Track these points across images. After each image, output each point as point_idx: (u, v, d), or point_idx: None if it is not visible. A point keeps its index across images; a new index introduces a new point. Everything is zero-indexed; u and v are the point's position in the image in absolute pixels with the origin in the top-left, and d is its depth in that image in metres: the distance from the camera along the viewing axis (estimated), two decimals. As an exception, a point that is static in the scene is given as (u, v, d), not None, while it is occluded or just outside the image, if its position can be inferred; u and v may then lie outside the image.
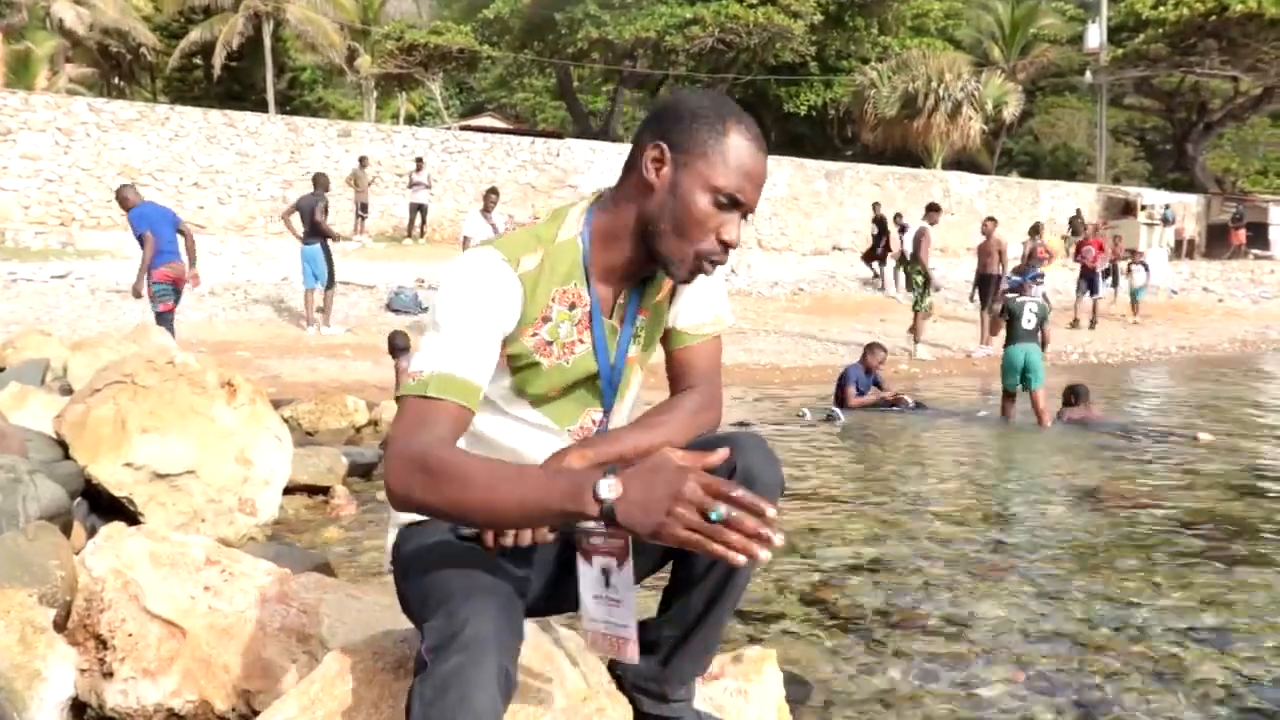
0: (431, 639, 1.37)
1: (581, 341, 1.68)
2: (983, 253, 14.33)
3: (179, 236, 8.86)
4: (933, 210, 14.08)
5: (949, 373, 12.84)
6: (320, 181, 12.24)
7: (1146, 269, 18.17)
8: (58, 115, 17.20)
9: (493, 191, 12.90)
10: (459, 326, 1.54)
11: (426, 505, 1.44)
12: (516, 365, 1.65)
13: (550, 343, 1.66)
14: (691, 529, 1.26)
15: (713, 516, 1.25)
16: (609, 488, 1.31)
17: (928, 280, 13.36)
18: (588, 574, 1.56)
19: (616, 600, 1.56)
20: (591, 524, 1.42)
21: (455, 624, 1.35)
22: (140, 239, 8.68)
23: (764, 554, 1.25)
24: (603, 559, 1.55)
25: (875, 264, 19.66)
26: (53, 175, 17.02)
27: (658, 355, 1.85)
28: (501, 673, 1.35)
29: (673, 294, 1.79)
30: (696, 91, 1.75)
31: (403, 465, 1.44)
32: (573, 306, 1.66)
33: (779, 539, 1.25)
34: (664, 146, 1.60)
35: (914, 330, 13.77)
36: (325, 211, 11.99)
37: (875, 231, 19.64)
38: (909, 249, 14.04)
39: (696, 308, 1.81)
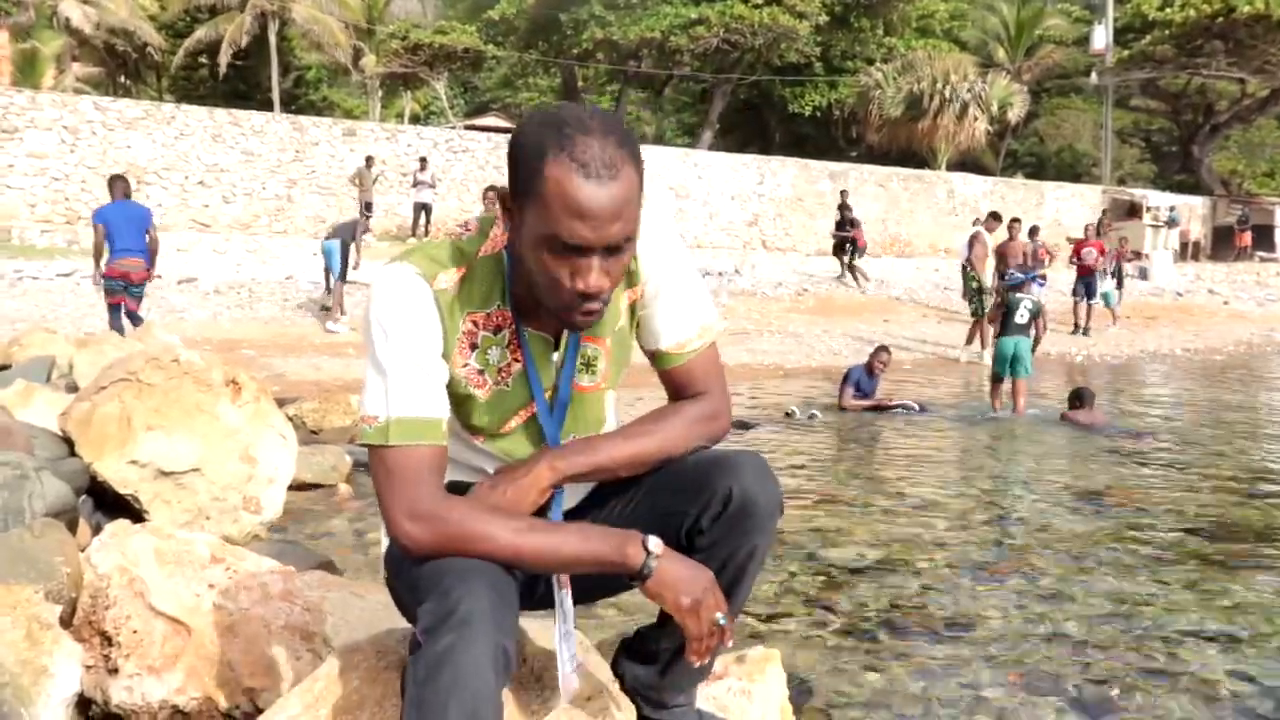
0: (425, 621, 1.35)
1: (517, 361, 1.59)
2: (1008, 254, 13.77)
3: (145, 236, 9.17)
4: (993, 218, 13.86)
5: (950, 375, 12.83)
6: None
7: (1106, 270, 17.74)
8: (64, 114, 17.26)
9: (491, 188, 12.86)
10: (399, 361, 1.47)
11: (448, 556, 1.45)
12: (454, 396, 1.56)
13: (481, 371, 1.57)
14: (699, 618, 1.50)
15: (720, 620, 1.50)
16: (657, 545, 1.48)
17: (981, 285, 13.27)
18: (566, 609, 1.58)
19: (570, 631, 1.58)
20: None
21: (448, 604, 1.34)
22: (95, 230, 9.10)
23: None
24: (565, 591, 1.60)
25: (845, 259, 19.48)
26: (59, 173, 17.07)
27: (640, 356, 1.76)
28: (497, 650, 1.32)
29: (633, 314, 1.67)
30: (539, 110, 1.52)
31: (412, 523, 1.46)
32: (499, 329, 1.57)
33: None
34: (503, 193, 1.49)
35: (979, 337, 13.52)
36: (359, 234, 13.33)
37: (839, 219, 19.30)
38: (964, 254, 13.86)
39: (679, 324, 1.67)
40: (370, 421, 1.49)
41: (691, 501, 1.58)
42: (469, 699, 1.29)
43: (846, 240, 19.11)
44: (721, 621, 1.49)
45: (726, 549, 1.59)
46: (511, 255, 1.55)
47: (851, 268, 19.27)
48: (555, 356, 1.62)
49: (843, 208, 19.27)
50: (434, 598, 1.37)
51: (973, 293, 13.51)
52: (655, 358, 1.70)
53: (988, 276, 13.60)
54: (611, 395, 1.72)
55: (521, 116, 37.15)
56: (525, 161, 1.43)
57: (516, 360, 1.59)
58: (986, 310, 13.29)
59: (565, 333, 1.60)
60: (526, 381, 1.60)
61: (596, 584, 1.65)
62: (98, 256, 9.18)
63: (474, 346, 1.56)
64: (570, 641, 1.58)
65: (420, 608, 1.38)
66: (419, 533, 1.45)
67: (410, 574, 1.50)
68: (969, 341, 13.76)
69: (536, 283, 1.48)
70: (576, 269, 1.43)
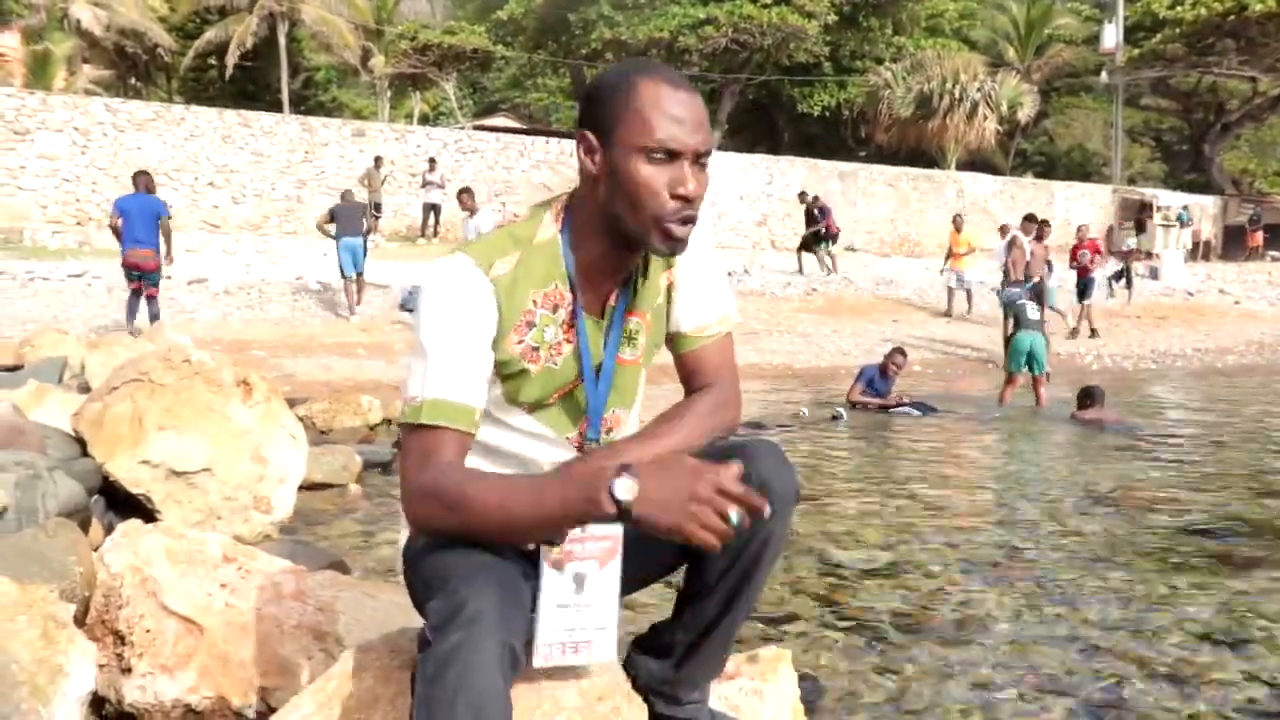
0: (433, 618, 1.36)
1: (568, 341, 1.65)
2: (1036, 258, 13.51)
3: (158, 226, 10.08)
4: (1029, 221, 13.75)
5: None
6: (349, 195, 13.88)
7: (1050, 268, 17.42)
8: (75, 115, 17.33)
9: (464, 191, 12.69)
10: (441, 346, 1.53)
11: (446, 531, 1.47)
12: (505, 373, 1.62)
13: (536, 348, 1.62)
14: (708, 528, 1.33)
15: (733, 519, 1.32)
16: (625, 489, 1.34)
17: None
18: (555, 583, 1.54)
19: (587, 604, 1.55)
20: (576, 530, 1.48)
21: (455, 602, 1.35)
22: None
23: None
24: (580, 564, 1.55)
25: (808, 253, 19.53)
26: (70, 175, 17.14)
27: (665, 357, 1.81)
28: (504, 649, 1.34)
29: (670, 295, 1.74)
30: (612, 65, 1.80)
31: (418, 498, 1.50)
32: (556, 308, 1.63)
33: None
34: (588, 134, 1.57)
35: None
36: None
37: (809, 218, 19.37)
38: (1001, 258, 13.76)
39: (700, 309, 1.75)
40: (409, 402, 1.54)
41: None
42: (476, 697, 1.30)
43: (819, 231, 19.16)
44: (734, 520, 1.33)
45: (742, 536, 1.57)
46: (571, 232, 1.63)
47: (818, 252, 19.37)
48: (602, 333, 1.68)
49: (810, 207, 19.30)
50: (442, 595, 1.38)
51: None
52: (674, 341, 1.77)
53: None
54: (643, 374, 1.78)
55: (532, 117, 37.30)
56: (614, 89, 1.54)
57: (568, 340, 1.64)
58: None
59: (610, 307, 1.67)
60: (576, 359, 1.66)
61: (645, 567, 1.67)
62: (116, 234, 10.06)
63: (531, 325, 1.62)
64: (555, 618, 1.55)
65: (429, 605, 1.40)
66: (423, 508, 1.50)
67: (422, 570, 1.52)
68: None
69: (633, 202, 1.54)
70: (674, 176, 1.53)
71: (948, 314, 17.30)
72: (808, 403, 9.12)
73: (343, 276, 12.98)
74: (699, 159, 1.55)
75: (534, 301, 1.61)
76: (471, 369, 1.55)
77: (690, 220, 1.56)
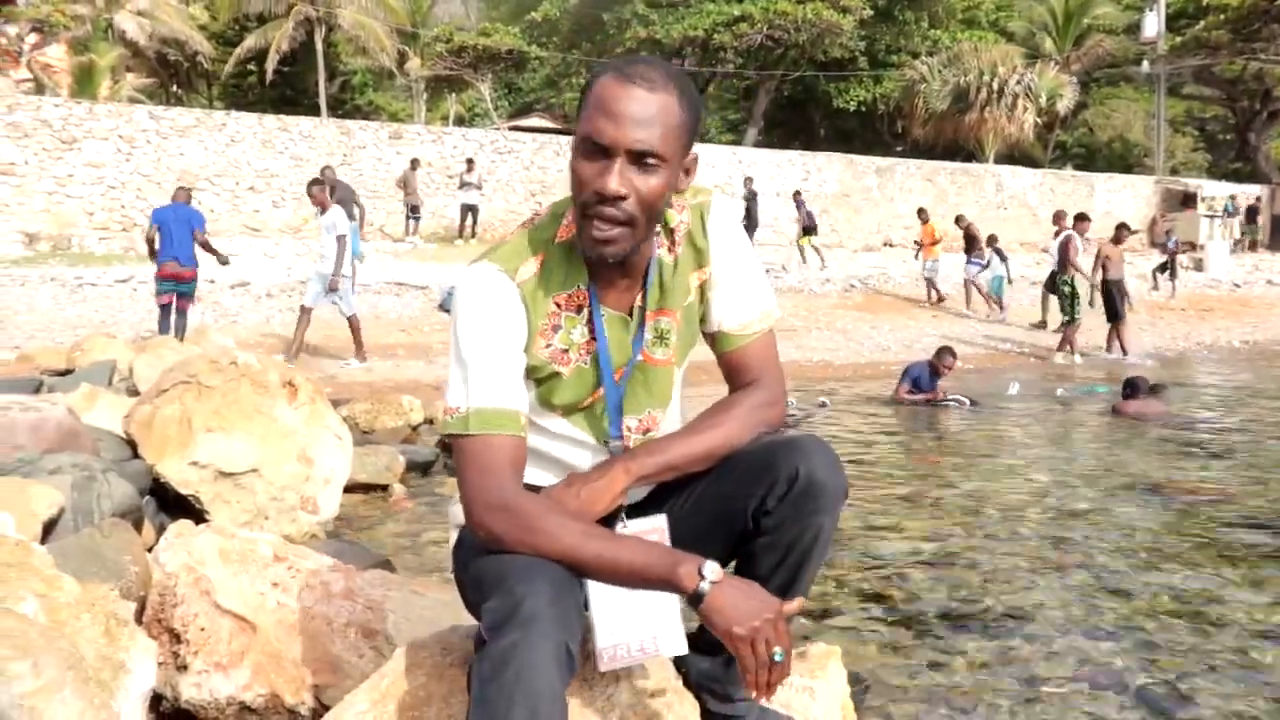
0: (489, 619, 1.37)
1: (595, 340, 1.65)
2: (1106, 257, 13.31)
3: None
4: (1081, 220, 13.64)
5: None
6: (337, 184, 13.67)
7: (1003, 258, 16.98)
8: (120, 123, 17.61)
9: (315, 183, 11.22)
10: (479, 354, 1.54)
11: (513, 548, 1.49)
12: (538, 378, 1.62)
13: (565, 350, 1.63)
14: (756, 652, 1.42)
15: (777, 656, 1.42)
16: (714, 571, 1.43)
17: (1076, 291, 13.08)
18: (603, 585, 1.55)
19: (642, 602, 1.56)
20: (620, 526, 1.55)
21: (511, 602, 1.36)
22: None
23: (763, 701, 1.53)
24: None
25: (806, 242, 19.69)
26: (115, 182, 17.42)
27: (701, 354, 1.81)
28: (560, 649, 1.34)
29: (703, 294, 1.73)
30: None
31: (488, 513, 1.51)
32: (580, 309, 1.63)
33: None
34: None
35: (1069, 343, 13.32)
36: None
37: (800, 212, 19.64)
38: (1054, 256, 13.61)
39: (741, 307, 1.73)
40: (451, 413, 1.55)
41: (758, 483, 1.61)
42: (532, 697, 1.31)
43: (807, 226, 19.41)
44: (778, 657, 1.41)
45: (793, 530, 1.61)
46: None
47: (805, 247, 19.49)
48: (629, 331, 1.67)
49: (799, 204, 19.56)
50: (498, 595, 1.39)
51: (1065, 298, 13.23)
52: (716, 340, 1.76)
53: (1082, 281, 13.27)
54: (679, 374, 1.77)
55: (566, 117, 37.42)
56: (585, 87, 1.55)
57: (595, 339, 1.64)
58: (1079, 315, 13.12)
59: (636, 305, 1.66)
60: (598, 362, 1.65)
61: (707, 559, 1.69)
62: (150, 246, 9.99)
63: (557, 328, 1.62)
64: (611, 620, 1.56)
65: (485, 605, 1.41)
66: (495, 523, 1.50)
67: (476, 570, 1.53)
68: (1060, 348, 13.47)
69: (571, 197, 1.55)
70: (598, 171, 1.50)
71: (928, 303, 17.39)
72: (796, 395, 9.03)
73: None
74: (639, 159, 1.49)
75: (557, 305, 1.62)
76: (511, 374, 1.56)
77: (611, 220, 1.50)
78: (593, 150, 1.50)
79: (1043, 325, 15.63)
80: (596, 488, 1.59)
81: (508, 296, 1.57)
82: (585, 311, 1.63)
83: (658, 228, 1.64)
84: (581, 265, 1.62)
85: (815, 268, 19.24)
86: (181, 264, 9.72)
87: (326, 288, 9.86)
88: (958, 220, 17.51)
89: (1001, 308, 16.62)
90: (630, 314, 1.66)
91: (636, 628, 1.57)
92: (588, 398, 1.66)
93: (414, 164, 18.76)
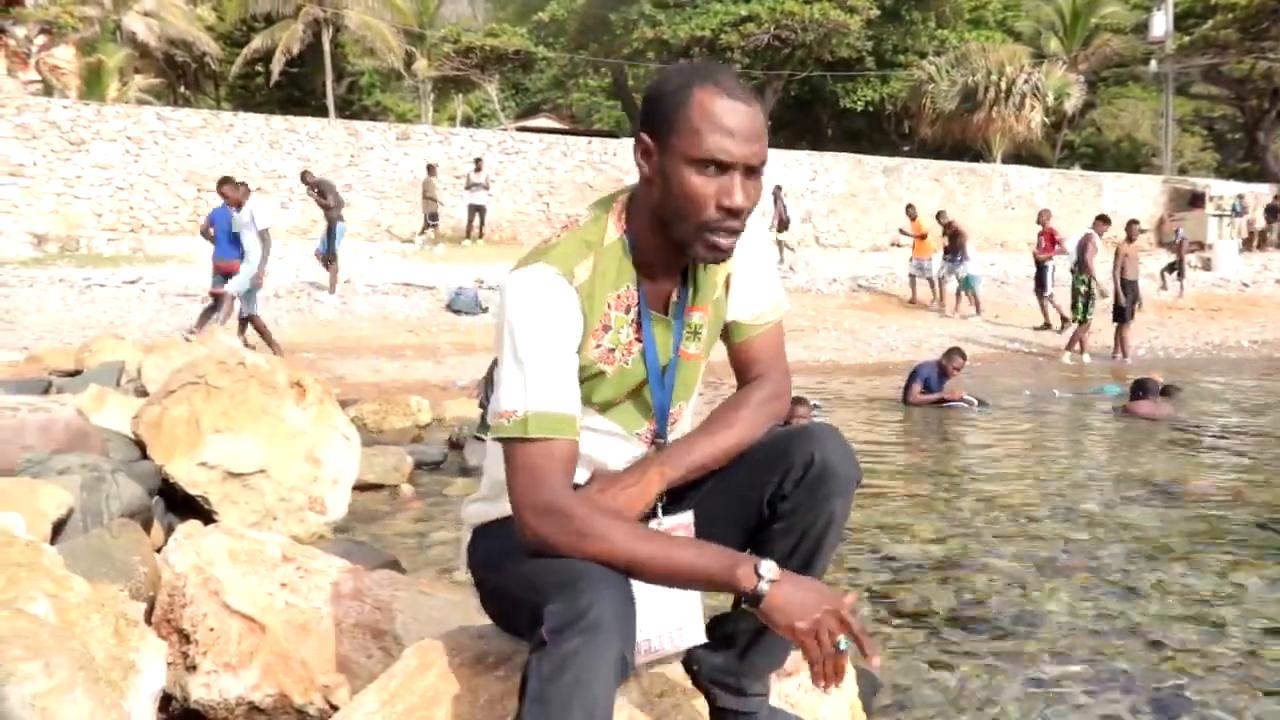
0: (552, 621, 1.38)
1: (639, 340, 1.67)
2: (1124, 256, 13.23)
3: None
4: (1101, 221, 13.62)
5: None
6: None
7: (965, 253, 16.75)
8: (128, 124, 17.65)
9: (226, 182, 10.95)
10: (539, 357, 1.54)
11: (564, 551, 1.49)
12: (583, 377, 1.64)
13: (612, 350, 1.65)
14: (820, 643, 1.43)
15: (842, 644, 1.43)
16: (770, 569, 1.46)
17: (1091, 292, 13.07)
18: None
19: (671, 595, 1.59)
20: (654, 523, 1.57)
21: (579, 607, 1.37)
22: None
23: (833, 690, 1.50)
24: None
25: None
26: (123, 183, 17.46)
27: (719, 352, 1.84)
28: (620, 658, 1.37)
29: (728, 287, 1.77)
30: (674, 67, 1.70)
31: (539, 517, 1.51)
32: (628, 309, 1.66)
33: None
34: (645, 137, 1.58)
35: (1079, 343, 13.33)
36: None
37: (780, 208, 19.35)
38: (1073, 256, 13.55)
39: (755, 298, 1.79)
40: (508, 416, 1.54)
41: (773, 470, 1.66)
42: (590, 702, 1.33)
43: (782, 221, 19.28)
44: (844, 646, 1.43)
45: (808, 515, 1.64)
46: (633, 233, 1.65)
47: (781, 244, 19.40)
48: (669, 330, 1.70)
49: (776, 199, 19.34)
50: (563, 599, 1.40)
51: (1081, 297, 13.21)
52: (728, 330, 1.80)
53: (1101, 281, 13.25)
54: (702, 366, 1.80)
55: (574, 117, 37.41)
56: (671, 95, 1.55)
57: (638, 339, 1.67)
58: (1091, 315, 13.10)
59: (673, 303, 1.70)
60: (644, 357, 1.68)
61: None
62: (210, 240, 10.58)
63: (608, 329, 1.64)
64: (646, 614, 1.56)
65: (547, 609, 1.40)
66: (545, 526, 1.50)
67: (531, 570, 1.53)
68: (1069, 348, 13.45)
69: (679, 210, 1.56)
70: (722, 187, 1.54)
71: (912, 301, 17.40)
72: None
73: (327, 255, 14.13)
74: (750, 171, 1.56)
75: (609, 305, 1.64)
76: (568, 377, 1.56)
77: (735, 232, 1.57)
78: (710, 169, 1.53)
79: (1046, 327, 15.61)
80: (634, 493, 1.62)
81: (566, 300, 1.58)
82: (632, 312, 1.66)
83: None
84: (630, 267, 1.65)
85: (786, 266, 19.15)
86: (226, 258, 10.27)
87: (249, 285, 9.99)
88: (939, 216, 17.39)
89: (978, 308, 16.64)
90: (666, 311, 1.70)
91: (662, 622, 1.61)
92: (624, 395, 1.69)
93: (431, 170, 18.74)
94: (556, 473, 1.52)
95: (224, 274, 10.38)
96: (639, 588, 1.55)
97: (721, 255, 1.59)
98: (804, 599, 1.44)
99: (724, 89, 1.54)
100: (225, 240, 10.26)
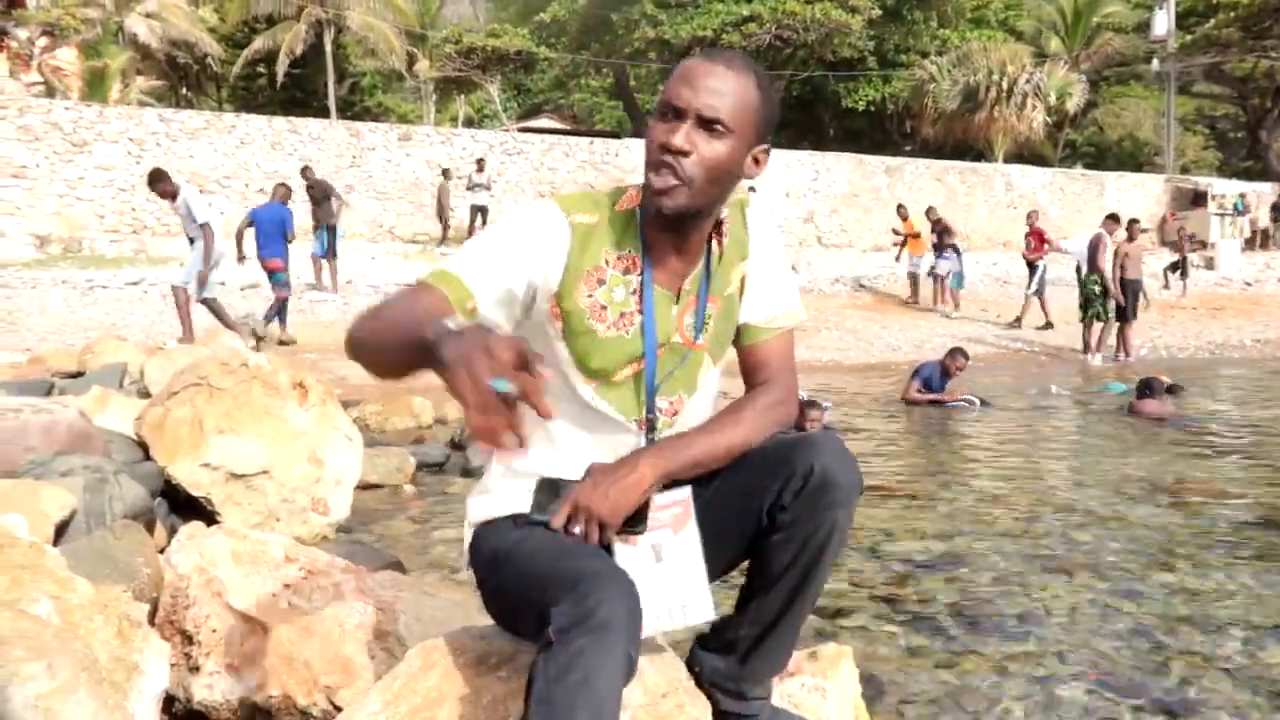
0: (560, 621, 1.37)
1: (640, 312, 1.67)
2: (1125, 255, 13.28)
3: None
4: (1111, 220, 13.61)
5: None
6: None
7: (958, 253, 16.86)
8: (130, 126, 17.68)
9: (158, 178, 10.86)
10: (486, 243, 1.59)
11: (354, 341, 1.49)
12: (573, 329, 1.64)
13: (605, 307, 1.65)
14: (470, 387, 1.18)
15: (499, 386, 1.17)
16: (454, 321, 1.30)
17: (1105, 290, 13.06)
18: (631, 559, 1.60)
19: (671, 571, 1.60)
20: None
21: (586, 607, 1.37)
22: None
23: (508, 443, 1.18)
24: (653, 534, 1.61)
25: None
26: (125, 184, 17.48)
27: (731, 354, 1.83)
28: (627, 658, 1.37)
29: (743, 288, 1.77)
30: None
31: (356, 317, 1.52)
32: (628, 271, 1.66)
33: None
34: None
35: (1094, 342, 13.36)
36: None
37: None
38: (1083, 256, 13.54)
39: (768, 302, 1.79)
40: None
41: (773, 479, 1.64)
42: (597, 702, 1.33)
43: None
44: (502, 387, 1.17)
45: (808, 525, 1.62)
46: (646, 211, 1.66)
47: None
48: (674, 310, 1.70)
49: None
50: (570, 599, 1.39)
51: (1095, 297, 13.21)
52: (740, 333, 1.80)
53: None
54: (714, 370, 1.78)
55: (575, 117, 37.39)
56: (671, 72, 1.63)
57: (639, 311, 1.67)
58: (1110, 314, 13.10)
59: (685, 290, 1.70)
60: (644, 330, 1.67)
61: (722, 556, 1.71)
62: (238, 239, 11.29)
63: (601, 282, 1.65)
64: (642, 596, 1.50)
65: (554, 608, 1.40)
66: (355, 321, 1.51)
67: (531, 572, 1.53)
68: (1098, 348, 13.45)
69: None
70: (670, 129, 1.57)
71: (912, 301, 17.41)
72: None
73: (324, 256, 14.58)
74: (708, 125, 1.56)
75: (606, 260, 1.65)
76: (497, 269, 1.57)
77: (670, 170, 1.56)
78: (667, 112, 1.58)
79: (1048, 326, 15.59)
80: (625, 485, 1.61)
81: (554, 225, 1.62)
82: (632, 278, 1.66)
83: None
84: (636, 235, 1.67)
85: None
86: (272, 263, 10.91)
87: (197, 277, 9.85)
88: (928, 213, 17.42)
89: (956, 305, 16.64)
90: (678, 297, 1.70)
91: (665, 596, 1.60)
92: (620, 369, 1.67)
93: (445, 174, 18.78)
94: (400, 302, 1.50)
95: (268, 271, 10.87)
96: (643, 564, 1.56)
97: (659, 198, 1.58)
98: (469, 337, 1.23)
99: (710, 56, 1.61)
100: (272, 237, 10.80)
